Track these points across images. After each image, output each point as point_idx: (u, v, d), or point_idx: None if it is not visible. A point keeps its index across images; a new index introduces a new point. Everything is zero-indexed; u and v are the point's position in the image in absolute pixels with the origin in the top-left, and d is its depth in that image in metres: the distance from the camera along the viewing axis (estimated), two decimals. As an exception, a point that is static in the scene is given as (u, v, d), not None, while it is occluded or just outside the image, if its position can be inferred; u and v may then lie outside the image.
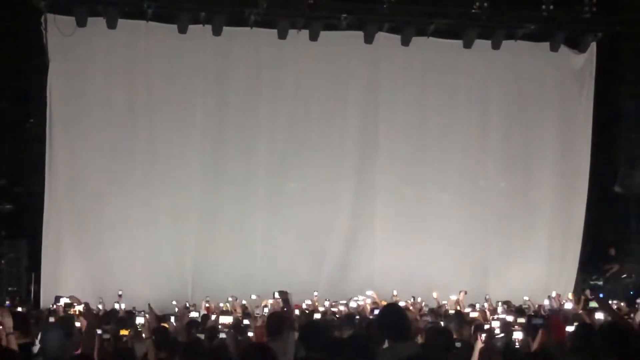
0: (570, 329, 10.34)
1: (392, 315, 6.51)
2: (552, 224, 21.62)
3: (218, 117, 20.51)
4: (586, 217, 21.55)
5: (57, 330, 8.04)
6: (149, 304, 13.95)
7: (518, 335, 8.72)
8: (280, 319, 8.31)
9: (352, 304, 15.91)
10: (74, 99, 19.81)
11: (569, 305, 16.03)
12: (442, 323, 12.01)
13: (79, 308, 7.62)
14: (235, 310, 15.33)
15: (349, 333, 9.59)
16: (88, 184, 19.79)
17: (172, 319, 13.64)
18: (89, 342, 7.52)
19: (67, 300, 8.63)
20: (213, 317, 13.16)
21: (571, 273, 21.51)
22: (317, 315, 12.68)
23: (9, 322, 7.92)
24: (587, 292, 18.38)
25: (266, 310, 14.28)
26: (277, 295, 15.64)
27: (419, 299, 17.74)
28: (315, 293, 17.65)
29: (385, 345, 6.64)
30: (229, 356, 6.98)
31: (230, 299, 17.03)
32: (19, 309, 15.22)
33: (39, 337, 8.12)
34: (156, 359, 8.51)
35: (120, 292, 17.13)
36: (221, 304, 16.82)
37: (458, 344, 9.38)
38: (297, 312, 13.80)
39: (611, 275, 21.35)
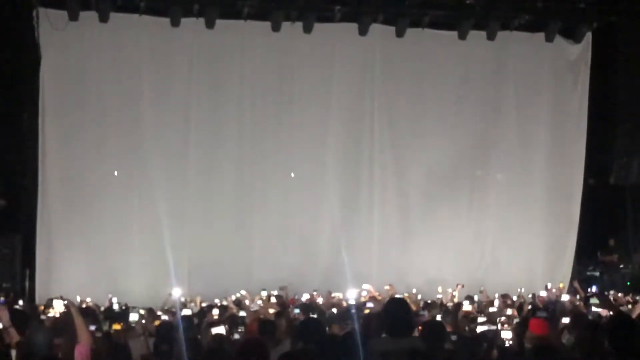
0: (565, 320, 10.27)
1: (399, 311, 6.40)
2: (548, 215, 21.59)
3: (212, 110, 20.38)
4: (582, 207, 21.51)
5: (44, 331, 8.00)
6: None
7: (507, 334, 8.51)
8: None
9: (350, 299, 15.79)
10: (66, 93, 19.69)
11: (565, 297, 15.94)
12: (438, 317, 11.96)
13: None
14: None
15: (346, 327, 9.53)
16: (82, 179, 19.67)
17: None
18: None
19: (60, 306, 8.52)
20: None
21: (568, 264, 21.48)
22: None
23: (5, 316, 8.01)
24: (576, 282, 18.29)
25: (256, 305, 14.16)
26: (275, 293, 15.57)
27: (414, 291, 17.64)
28: (315, 292, 17.44)
29: (383, 338, 6.56)
30: (224, 353, 6.90)
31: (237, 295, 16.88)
32: (20, 303, 15.19)
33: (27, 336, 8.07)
34: (150, 352, 8.45)
35: (110, 296, 16.88)
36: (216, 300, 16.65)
37: (454, 337, 9.31)
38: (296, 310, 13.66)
39: (609, 266, 21.31)
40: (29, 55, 19.36)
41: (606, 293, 16.12)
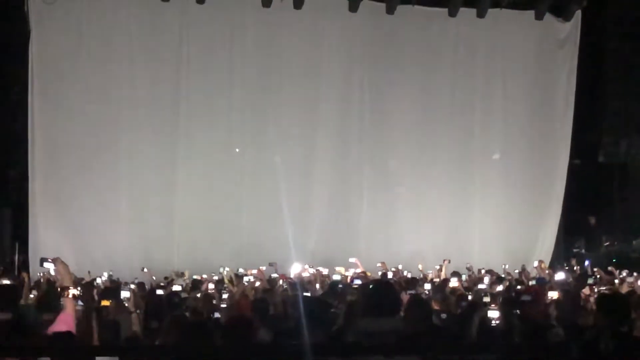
0: (553, 295, 10.36)
1: (382, 293, 6.44)
2: (534, 193, 21.71)
3: (202, 85, 20.35)
4: (570, 186, 21.64)
5: (32, 309, 7.95)
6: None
7: (493, 314, 8.53)
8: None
9: (335, 276, 15.84)
10: (56, 66, 19.61)
11: (561, 275, 15.97)
12: (425, 292, 12.04)
13: (74, 292, 7.48)
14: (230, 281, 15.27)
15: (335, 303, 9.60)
16: (72, 153, 19.62)
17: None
18: (87, 328, 7.47)
19: (52, 266, 8.43)
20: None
21: (551, 241, 21.64)
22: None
23: None
24: (573, 261, 18.47)
25: (248, 279, 14.22)
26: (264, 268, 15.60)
27: (400, 267, 17.66)
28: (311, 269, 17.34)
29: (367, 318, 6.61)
30: (212, 331, 6.95)
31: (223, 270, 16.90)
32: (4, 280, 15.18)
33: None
34: (142, 329, 8.50)
35: (104, 274, 16.86)
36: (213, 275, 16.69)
37: (443, 315, 9.35)
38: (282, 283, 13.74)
39: (595, 244, 21.49)
40: (19, 28, 19.27)
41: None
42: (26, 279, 13.61)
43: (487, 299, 10.73)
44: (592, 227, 21.57)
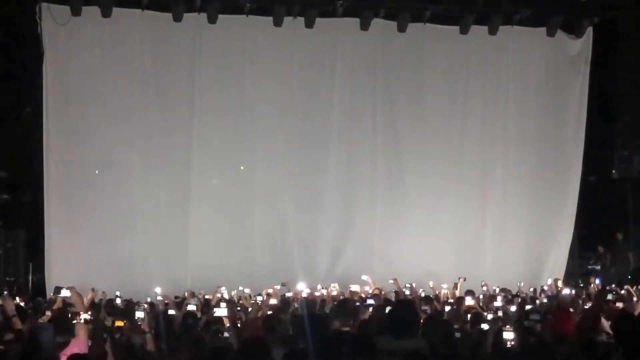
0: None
1: (405, 314, 6.41)
2: (546, 210, 21.63)
3: (215, 105, 20.42)
4: (584, 201, 21.55)
5: (49, 330, 8.01)
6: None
7: (508, 335, 8.45)
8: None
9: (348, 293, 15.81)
10: (69, 88, 19.71)
11: (566, 291, 15.96)
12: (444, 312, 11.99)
13: (85, 317, 7.50)
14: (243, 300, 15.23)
15: (347, 322, 9.58)
16: (86, 174, 19.70)
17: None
18: (98, 348, 7.49)
19: (67, 293, 8.53)
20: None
21: (563, 258, 21.55)
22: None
23: (10, 305, 8.45)
24: (593, 279, 18.37)
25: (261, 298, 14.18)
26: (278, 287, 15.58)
27: (414, 284, 17.60)
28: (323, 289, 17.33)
29: (387, 338, 6.57)
30: (229, 354, 6.93)
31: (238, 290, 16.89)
32: (17, 299, 15.21)
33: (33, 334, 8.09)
34: (156, 350, 8.48)
35: (117, 293, 16.82)
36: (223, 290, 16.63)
37: (457, 334, 9.33)
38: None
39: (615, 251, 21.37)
40: (32, 50, 19.36)
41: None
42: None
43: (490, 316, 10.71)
44: (619, 243, 21.39)
